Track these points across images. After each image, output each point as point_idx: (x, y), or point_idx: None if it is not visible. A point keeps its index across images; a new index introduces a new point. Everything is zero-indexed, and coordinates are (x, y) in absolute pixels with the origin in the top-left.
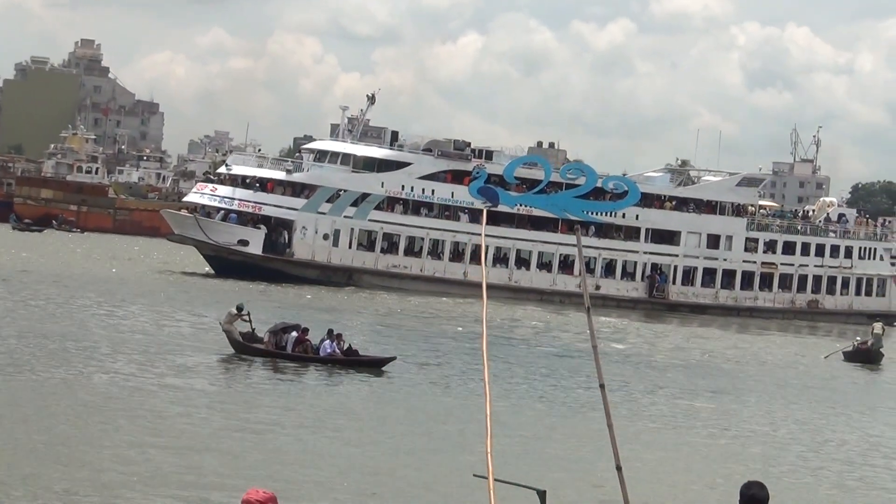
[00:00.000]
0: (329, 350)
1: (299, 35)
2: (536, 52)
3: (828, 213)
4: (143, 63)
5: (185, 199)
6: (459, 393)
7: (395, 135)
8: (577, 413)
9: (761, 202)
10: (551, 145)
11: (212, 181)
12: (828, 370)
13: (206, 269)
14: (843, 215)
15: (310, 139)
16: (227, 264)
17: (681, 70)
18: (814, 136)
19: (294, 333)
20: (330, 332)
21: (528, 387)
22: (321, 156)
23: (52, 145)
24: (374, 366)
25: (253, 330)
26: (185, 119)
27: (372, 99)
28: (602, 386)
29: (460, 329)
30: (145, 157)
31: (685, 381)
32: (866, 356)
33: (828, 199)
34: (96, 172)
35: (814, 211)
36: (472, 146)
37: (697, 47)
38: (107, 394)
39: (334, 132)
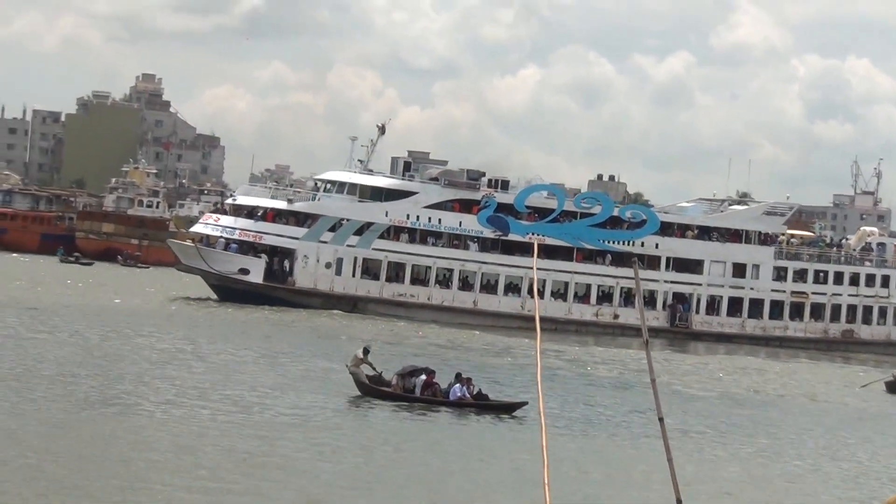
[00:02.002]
0: (459, 394)
1: (359, 68)
2: (596, 85)
3: (867, 243)
4: (204, 97)
5: (191, 229)
6: (593, 438)
7: (407, 165)
8: (638, 446)
9: (794, 231)
10: (611, 178)
11: (218, 211)
12: (874, 402)
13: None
14: (883, 244)
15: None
16: (231, 293)
17: (741, 102)
18: (875, 168)
19: (422, 377)
20: (458, 375)
21: (587, 420)
22: (330, 186)
23: (114, 179)
24: (506, 410)
25: (380, 373)
26: (245, 153)
27: (382, 129)
28: (661, 419)
29: (510, 360)
30: (206, 191)
31: (736, 413)
32: None
33: (868, 229)
34: (157, 206)
35: (849, 240)
36: (489, 176)
37: (757, 79)
38: (237, 436)
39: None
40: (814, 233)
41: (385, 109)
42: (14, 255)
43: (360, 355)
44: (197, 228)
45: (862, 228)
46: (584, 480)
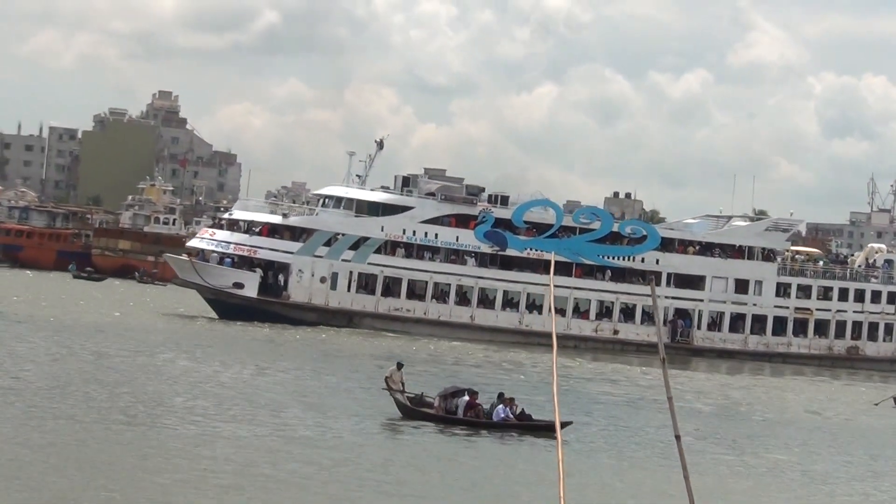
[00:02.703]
0: (503, 415)
1: (376, 86)
2: (613, 102)
3: (874, 259)
4: (221, 114)
5: (188, 243)
6: (640, 460)
7: (405, 180)
8: (654, 463)
9: (799, 248)
10: (628, 195)
11: (216, 226)
12: (886, 418)
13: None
14: (891, 261)
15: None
16: (227, 307)
17: (758, 120)
18: (891, 186)
19: (465, 398)
20: (501, 395)
21: (605, 437)
22: (327, 201)
23: (130, 196)
24: (550, 430)
25: (421, 394)
26: (262, 170)
27: (380, 144)
28: (678, 437)
29: (523, 378)
30: (222, 209)
31: (751, 430)
32: None
33: (875, 246)
34: (174, 223)
35: (854, 256)
36: (492, 192)
37: (774, 97)
38: (280, 453)
39: (344, 178)
40: (830, 250)
41: (402, 126)
42: (29, 272)
43: (395, 369)
44: (193, 243)
45: (869, 245)
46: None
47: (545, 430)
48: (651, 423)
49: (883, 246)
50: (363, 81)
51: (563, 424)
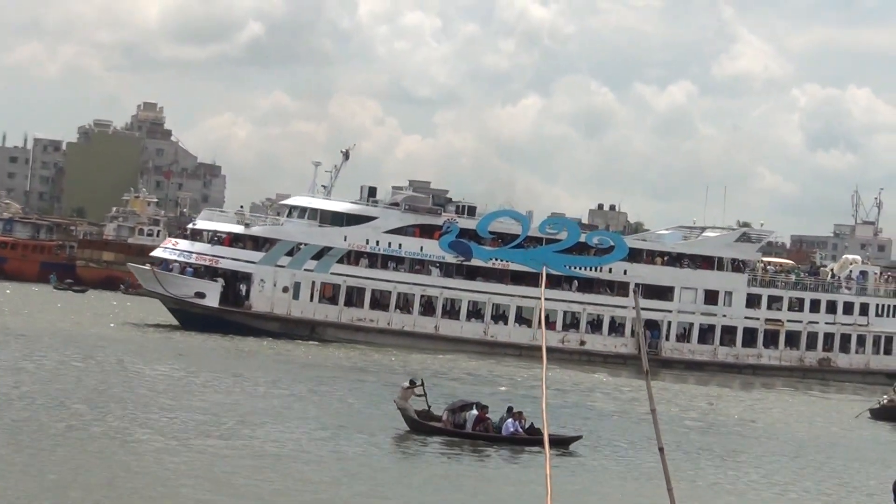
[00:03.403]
0: (512, 429)
1: (360, 97)
2: (597, 114)
3: (849, 271)
4: (205, 125)
5: (152, 253)
6: (646, 474)
7: (371, 190)
8: (641, 476)
9: (771, 259)
10: (612, 207)
11: (181, 236)
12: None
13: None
14: (865, 272)
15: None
16: (189, 317)
17: (742, 131)
18: (875, 198)
19: (474, 411)
20: (510, 409)
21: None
22: (292, 210)
23: (115, 208)
24: (560, 445)
25: (429, 407)
26: (246, 181)
27: (346, 154)
28: (661, 449)
29: (504, 388)
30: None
31: (731, 444)
32: (893, 414)
33: (850, 257)
34: (158, 235)
35: (825, 266)
36: (457, 202)
37: (758, 109)
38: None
39: (310, 188)
40: (814, 262)
41: (386, 138)
42: (12, 283)
43: (407, 385)
44: (157, 253)
45: (844, 256)
46: None
47: (555, 444)
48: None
49: (858, 257)
50: (347, 93)
51: (573, 439)
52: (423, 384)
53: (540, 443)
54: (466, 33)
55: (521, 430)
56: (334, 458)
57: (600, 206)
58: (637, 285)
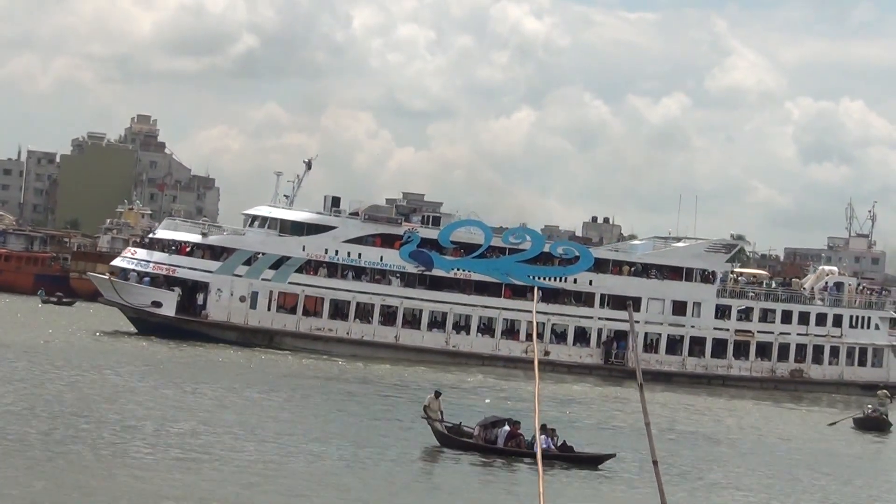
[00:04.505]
0: (544, 445)
1: (353, 110)
2: (591, 127)
3: (825, 282)
4: (198, 138)
5: (112, 262)
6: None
7: (335, 200)
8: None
9: (744, 269)
10: (606, 220)
11: (142, 246)
12: (843, 440)
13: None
14: (841, 283)
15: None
16: (148, 326)
17: (736, 144)
18: (869, 211)
19: (506, 427)
20: (543, 426)
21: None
22: (253, 220)
23: (108, 220)
24: (592, 463)
25: (460, 423)
26: (240, 194)
27: (309, 164)
28: (655, 462)
29: (489, 401)
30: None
31: (710, 454)
32: (877, 424)
33: (827, 268)
34: None
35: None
36: (421, 212)
37: (752, 122)
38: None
39: (272, 199)
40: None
41: (380, 150)
42: (5, 295)
43: (433, 397)
44: (116, 262)
45: (821, 268)
46: None
47: (587, 462)
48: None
49: (835, 269)
50: (341, 106)
51: (606, 457)
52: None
53: (571, 460)
54: (460, 46)
55: (553, 446)
56: (367, 474)
57: (594, 219)
58: (630, 300)
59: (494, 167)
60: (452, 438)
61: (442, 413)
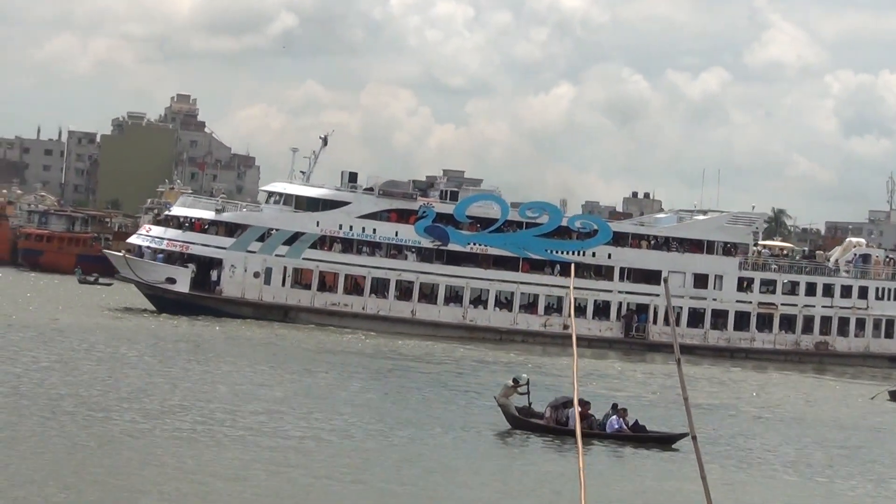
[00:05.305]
0: (616, 426)
1: (392, 87)
2: (630, 102)
3: (852, 254)
4: (238, 117)
5: (128, 240)
6: (758, 472)
7: (352, 175)
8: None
9: (768, 242)
10: (646, 195)
11: (159, 223)
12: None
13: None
14: (868, 255)
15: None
16: (164, 302)
17: (775, 119)
18: None
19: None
20: (615, 406)
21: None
22: (270, 197)
23: (149, 200)
24: (665, 442)
25: (530, 404)
26: (280, 172)
27: (325, 141)
28: (694, 437)
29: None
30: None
31: (756, 429)
32: None
33: (854, 240)
34: None
35: (819, 251)
36: (442, 188)
37: (791, 96)
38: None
39: (288, 175)
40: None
41: (419, 128)
42: (47, 276)
43: (511, 384)
44: (132, 240)
45: (848, 239)
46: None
47: (660, 441)
48: (745, 432)
49: (862, 240)
50: (380, 83)
51: (680, 436)
52: (528, 383)
53: (644, 440)
54: (498, 23)
55: (625, 427)
56: (442, 455)
57: (634, 195)
58: (664, 276)
59: (534, 144)
60: (523, 420)
61: (529, 395)
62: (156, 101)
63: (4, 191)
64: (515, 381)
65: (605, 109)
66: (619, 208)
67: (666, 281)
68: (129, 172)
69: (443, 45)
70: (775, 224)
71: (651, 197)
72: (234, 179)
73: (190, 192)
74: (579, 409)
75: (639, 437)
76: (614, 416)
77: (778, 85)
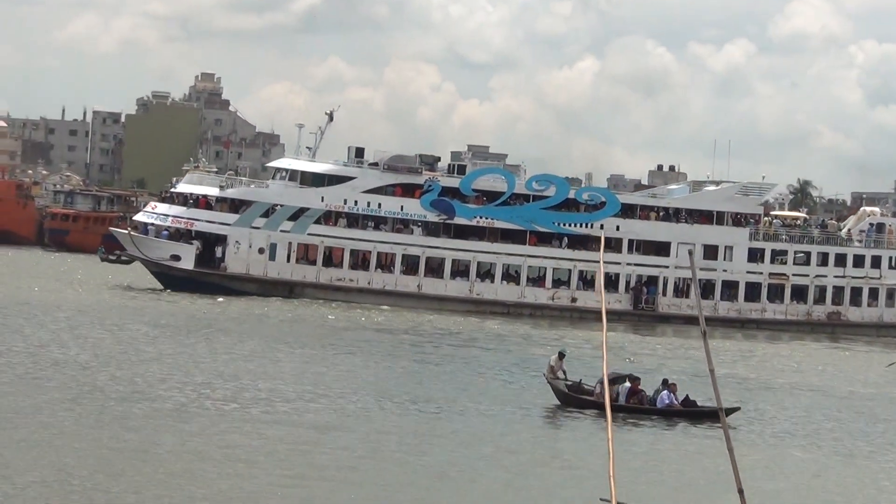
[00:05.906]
0: (667, 401)
1: (416, 63)
2: (654, 75)
3: (868, 223)
4: (262, 94)
5: (134, 217)
6: (808, 446)
7: (359, 151)
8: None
9: (780, 213)
10: (671, 168)
11: (164, 200)
12: None
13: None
14: (882, 224)
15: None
16: (170, 280)
17: (800, 90)
18: None
19: (626, 384)
20: (665, 381)
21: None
22: (275, 173)
23: (175, 179)
24: (716, 417)
25: (580, 381)
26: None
27: (331, 116)
28: (721, 409)
29: (541, 352)
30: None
31: (787, 402)
32: None
33: (869, 209)
34: None
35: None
36: (450, 161)
37: (816, 67)
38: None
39: (294, 151)
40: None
41: (443, 104)
42: (73, 255)
43: (556, 358)
44: (138, 217)
45: (862, 209)
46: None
47: (710, 416)
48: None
49: (876, 210)
50: (403, 59)
51: (731, 410)
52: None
53: (695, 415)
54: None
55: (676, 402)
56: (495, 432)
57: (660, 167)
58: (693, 248)
59: (558, 118)
60: (573, 397)
61: (565, 372)
62: (180, 80)
63: (30, 171)
64: (561, 354)
65: (630, 83)
66: (645, 181)
67: (691, 254)
68: (154, 151)
69: (466, 21)
70: (801, 195)
71: (676, 170)
72: (259, 157)
73: (215, 170)
74: (629, 385)
75: (690, 411)
76: (665, 391)
77: (802, 56)
